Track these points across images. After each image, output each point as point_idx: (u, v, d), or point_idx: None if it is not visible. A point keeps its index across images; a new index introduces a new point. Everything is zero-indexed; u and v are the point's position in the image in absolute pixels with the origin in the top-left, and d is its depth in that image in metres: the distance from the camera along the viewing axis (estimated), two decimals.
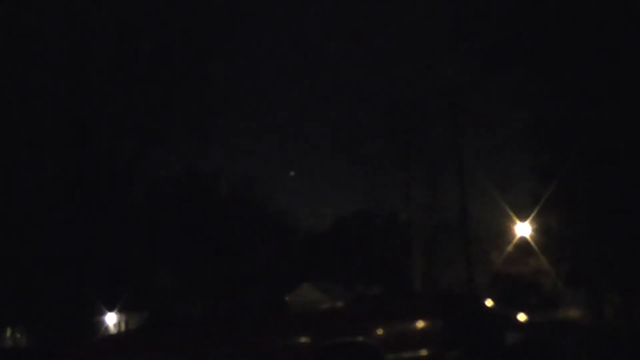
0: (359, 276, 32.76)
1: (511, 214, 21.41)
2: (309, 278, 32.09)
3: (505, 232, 23.64)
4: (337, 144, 30.08)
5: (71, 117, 19.37)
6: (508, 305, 26.06)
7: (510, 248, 23.86)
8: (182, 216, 25.40)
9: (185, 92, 20.79)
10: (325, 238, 36.35)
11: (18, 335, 24.69)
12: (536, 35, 15.85)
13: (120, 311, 23.35)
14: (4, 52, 18.47)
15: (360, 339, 7.17)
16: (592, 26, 14.64)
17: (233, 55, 21.58)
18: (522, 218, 21.11)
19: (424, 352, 7.05)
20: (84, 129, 19.70)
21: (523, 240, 22.17)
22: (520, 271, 26.57)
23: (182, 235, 24.84)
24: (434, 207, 28.57)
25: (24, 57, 18.71)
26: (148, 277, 23.85)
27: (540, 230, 21.18)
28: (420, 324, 7.28)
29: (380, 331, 7.20)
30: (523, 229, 21.55)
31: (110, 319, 24.36)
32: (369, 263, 32.45)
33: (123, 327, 25.65)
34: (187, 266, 25.45)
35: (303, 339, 7.36)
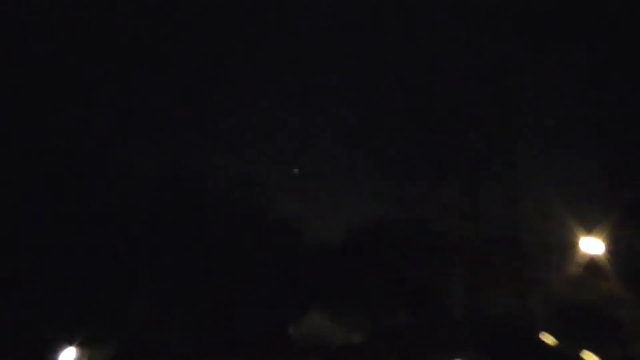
0: (380, 302, 32.24)
1: (576, 225, 21.81)
2: (317, 303, 31.92)
3: (568, 248, 23.79)
4: (353, 135, 29.80)
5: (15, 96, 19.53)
6: (572, 341, 26.17)
7: (574, 268, 23.97)
8: (162, 223, 25.45)
9: (165, 69, 21.50)
10: (338, 252, 35.06)
11: None
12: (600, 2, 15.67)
13: (81, 345, 23.22)
14: None
15: None
16: None
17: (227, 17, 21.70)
18: (591, 230, 21.58)
19: None
20: (33, 113, 20.39)
21: (591, 259, 22.54)
22: (588, 298, 26.04)
23: (162, 248, 24.88)
24: (476, 215, 28.48)
25: None
26: (117, 301, 23.60)
27: (614, 246, 21.44)
28: None
29: None
30: (591, 245, 21.97)
31: (68, 356, 23.84)
32: (393, 285, 31.93)
33: None
34: (167, 287, 25.35)
35: None
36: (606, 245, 21.19)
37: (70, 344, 22.02)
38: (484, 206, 28.05)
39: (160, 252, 24.76)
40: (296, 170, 27.20)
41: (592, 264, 22.92)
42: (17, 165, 19.93)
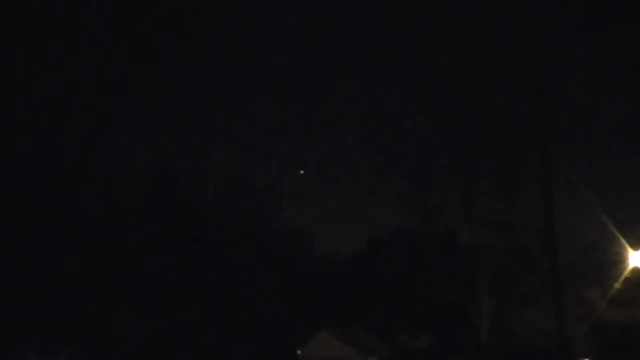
0: (399, 321, 32.43)
1: (620, 237, 20.82)
2: (328, 323, 31.62)
3: (611, 262, 23.03)
4: (370, 138, 28.73)
5: None
6: None
7: (618, 284, 23.18)
8: (151, 233, 24.95)
9: (155, 65, 21.25)
10: (353, 266, 35.30)
11: None
12: None
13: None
14: None
15: None
16: None
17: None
18: (637, 243, 20.52)
19: None
20: (13, 115, 19.86)
21: (637, 273, 21.66)
22: (634, 316, 25.66)
23: (151, 261, 24.27)
24: (507, 226, 27.59)
25: None
26: (103, 320, 23.18)
27: None
28: None
29: None
30: (638, 258, 20.72)
31: None
32: (414, 302, 31.55)
33: None
34: (157, 305, 24.66)
35: None
36: None
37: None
38: (517, 215, 27.30)
39: (148, 265, 24.23)
40: (302, 172, 26.92)
41: (637, 278, 22.23)
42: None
